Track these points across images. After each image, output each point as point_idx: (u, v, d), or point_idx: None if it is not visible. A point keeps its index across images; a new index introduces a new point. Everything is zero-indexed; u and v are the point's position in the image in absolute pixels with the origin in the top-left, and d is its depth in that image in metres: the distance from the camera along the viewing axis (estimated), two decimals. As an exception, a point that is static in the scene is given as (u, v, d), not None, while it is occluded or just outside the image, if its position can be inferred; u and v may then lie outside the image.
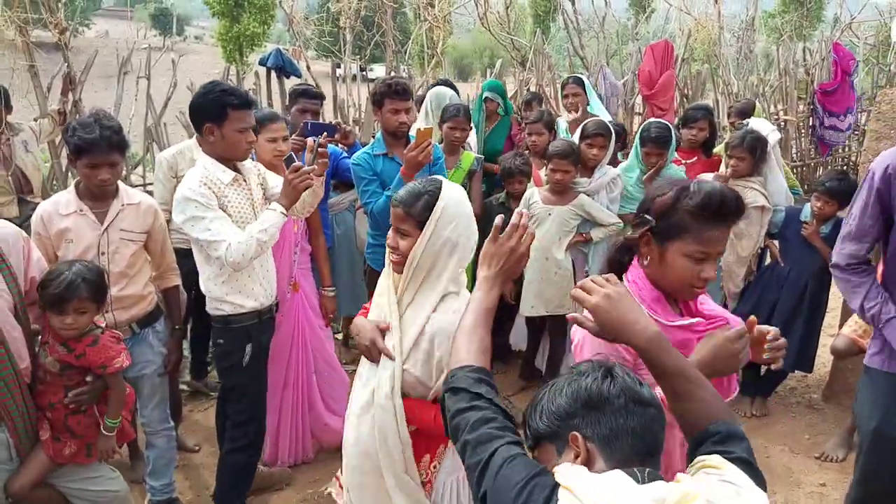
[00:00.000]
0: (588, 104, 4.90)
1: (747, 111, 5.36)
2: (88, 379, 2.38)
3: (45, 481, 2.36)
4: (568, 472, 1.08)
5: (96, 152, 2.51)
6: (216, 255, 2.52)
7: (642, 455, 1.13)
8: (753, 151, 3.76)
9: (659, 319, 1.60)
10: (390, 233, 1.91)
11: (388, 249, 1.93)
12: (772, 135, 4.15)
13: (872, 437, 2.34)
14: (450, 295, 1.91)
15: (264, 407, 2.97)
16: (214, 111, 2.55)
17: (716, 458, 1.14)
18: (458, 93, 4.81)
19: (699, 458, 1.17)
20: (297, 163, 2.67)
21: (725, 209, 1.57)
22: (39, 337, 2.38)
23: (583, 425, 1.15)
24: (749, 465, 1.16)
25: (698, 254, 1.60)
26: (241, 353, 2.74)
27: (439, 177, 1.98)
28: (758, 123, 4.17)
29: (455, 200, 1.87)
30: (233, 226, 2.56)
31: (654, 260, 1.66)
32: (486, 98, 4.83)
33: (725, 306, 4.03)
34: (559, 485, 1.06)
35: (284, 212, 2.61)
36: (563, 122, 4.79)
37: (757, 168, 3.82)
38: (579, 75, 5.19)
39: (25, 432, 2.29)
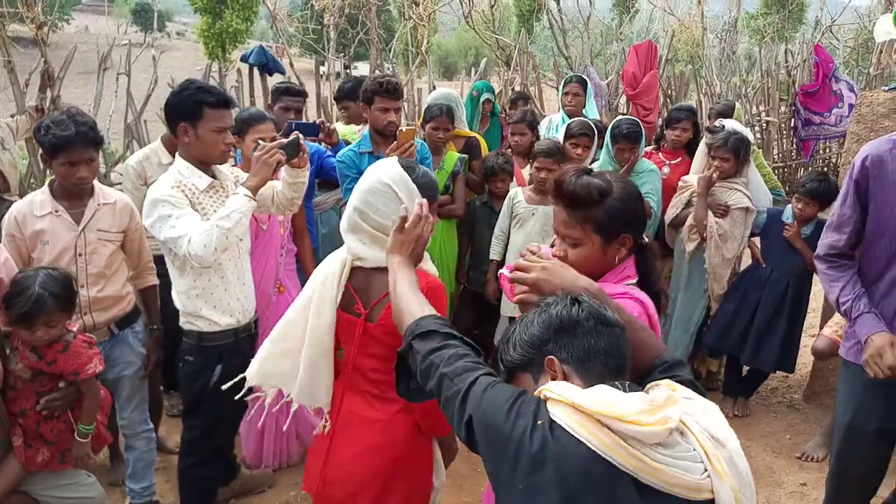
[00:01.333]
0: (584, 106, 4.90)
1: (727, 113, 5.39)
2: (61, 385, 2.31)
3: (18, 488, 2.30)
4: (554, 387, 1.15)
5: (74, 149, 2.46)
6: (180, 252, 2.34)
7: (613, 372, 1.22)
8: (737, 152, 3.77)
9: None
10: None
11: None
12: (748, 134, 4.21)
13: (847, 430, 2.36)
14: None
15: (228, 424, 2.84)
16: (189, 110, 2.41)
17: (668, 382, 1.21)
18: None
19: (651, 383, 1.22)
20: (263, 144, 2.52)
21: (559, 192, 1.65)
22: (9, 340, 2.31)
23: (556, 349, 1.23)
24: (695, 386, 1.26)
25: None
26: (210, 374, 2.55)
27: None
28: (730, 125, 4.19)
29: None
30: (200, 222, 2.38)
31: None
32: (486, 99, 4.83)
33: (709, 309, 4.05)
34: (546, 399, 1.15)
35: (250, 194, 2.41)
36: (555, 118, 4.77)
37: (740, 169, 3.84)
38: (582, 75, 5.15)
39: None
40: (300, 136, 2.61)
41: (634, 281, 1.66)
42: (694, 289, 4.04)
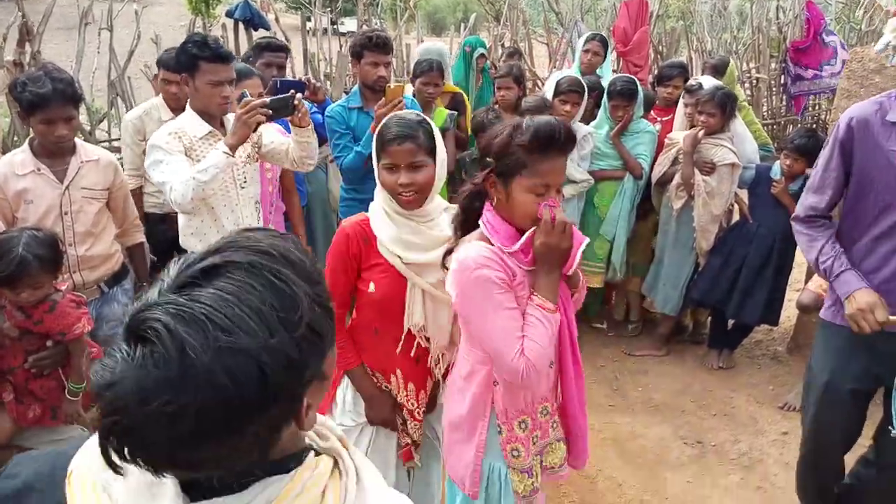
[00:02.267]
0: (601, 66, 4.84)
1: (721, 68, 5.35)
2: (48, 344, 2.31)
3: (10, 443, 2.32)
4: None
5: (51, 107, 2.42)
6: (169, 197, 2.53)
7: None
8: (724, 107, 3.76)
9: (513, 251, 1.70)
10: (401, 173, 1.86)
11: (398, 190, 1.87)
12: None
13: (825, 389, 2.39)
14: (449, 208, 2.01)
15: None
16: (187, 63, 2.55)
17: None
18: None
19: None
20: (248, 98, 2.60)
21: (556, 140, 1.65)
22: None
23: None
24: None
25: (539, 187, 1.67)
26: None
27: (411, 110, 2.03)
28: (705, 81, 4.18)
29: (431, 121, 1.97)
30: (185, 171, 2.50)
31: (501, 200, 1.73)
32: (481, 55, 4.76)
33: (698, 265, 4.09)
34: None
35: (228, 151, 2.49)
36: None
37: (726, 125, 3.83)
38: (605, 35, 5.05)
39: None
40: (296, 94, 2.62)
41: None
42: (682, 245, 4.07)
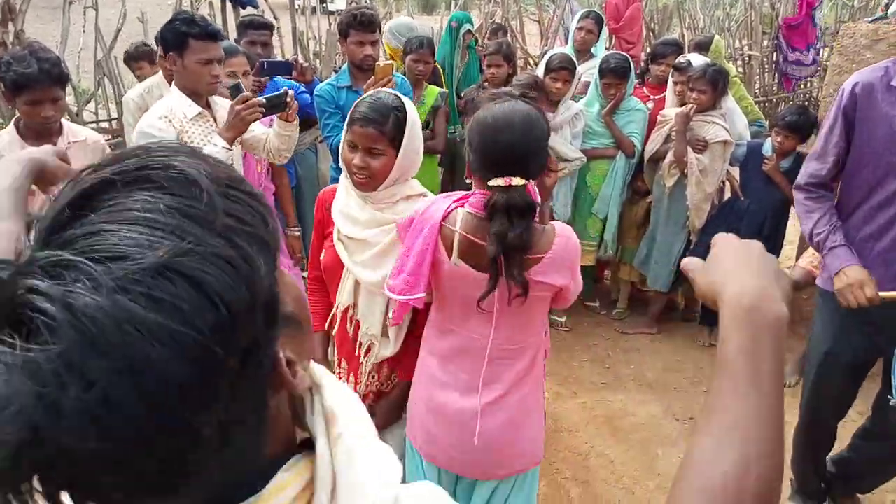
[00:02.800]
0: (595, 44, 4.79)
1: (704, 45, 5.33)
2: None
3: None
4: None
5: (36, 88, 2.37)
6: None
7: None
8: (715, 84, 3.75)
9: None
10: (357, 154, 1.83)
11: (352, 169, 1.84)
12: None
13: (824, 359, 2.43)
14: (419, 197, 1.95)
15: None
16: (175, 40, 2.51)
17: None
18: None
19: None
20: (246, 92, 2.56)
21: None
22: None
23: None
24: None
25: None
26: None
27: (393, 91, 1.94)
28: (694, 59, 4.16)
29: (415, 112, 1.88)
30: None
31: None
32: (467, 31, 4.71)
33: (690, 242, 4.10)
34: None
35: (227, 146, 2.49)
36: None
37: (718, 101, 3.82)
38: (599, 13, 4.98)
39: None
40: (290, 92, 2.65)
41: None
42: (674, 223, 4.07)
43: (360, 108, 1.82)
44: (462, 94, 4.28)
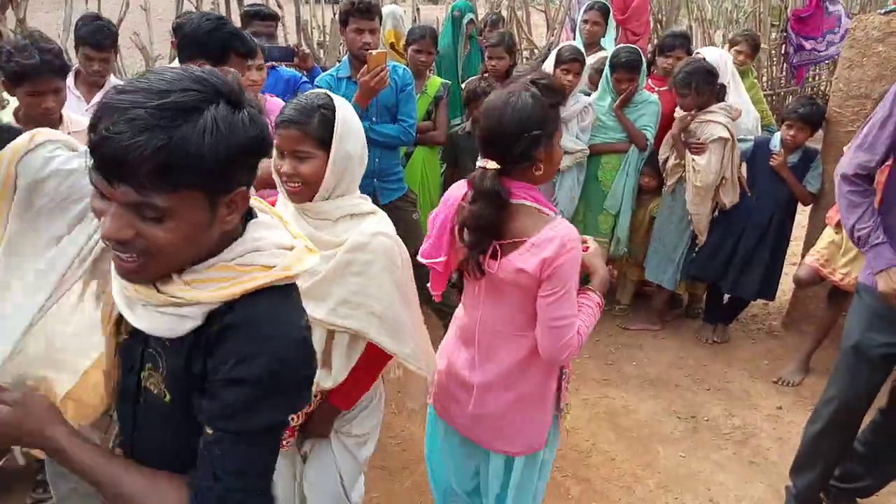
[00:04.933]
0: (603, 36, 4.72)
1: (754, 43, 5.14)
2: None
3: None
4: None
5: (38, 79, 2.34)
6: None
7: None
8: (689, 85, 3.67)
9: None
10: (286, 161, 1.68)
11: (283, 178, 1.70)
12: (728, 58, 4.14)
13: (851, 352, 2.40)
14: (368, 215, 1.76)
15: None
16: (215, 51, 2.34)
17: None
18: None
19: None
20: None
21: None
22: None
23: None
24: None
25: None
26: None
27: (321, 89, 1.86)
28: (709, 52, 4.10)
29: (349, 110, 1.71)
30: None
31: (545, 167, 1.80)
32: (470, 20, 4.66)
33: (694, 238, 4.05)
34: None
35: None
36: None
37: (707, 99, 3.74)
38: (605, 3, 4.88)
39: None
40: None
41: None
42: (678, 219, 4.03)
43: (283, 111, 1.69)
44: (463, 86, 4.23)
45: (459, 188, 1.86)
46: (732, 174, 3.80)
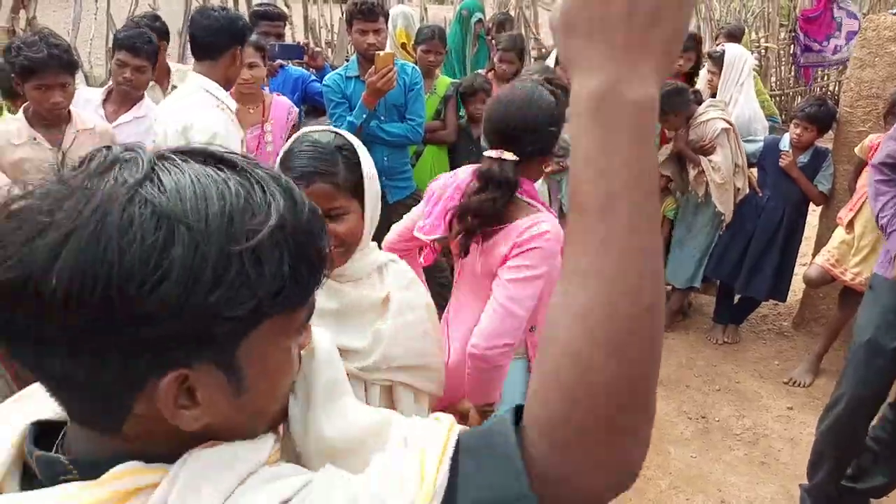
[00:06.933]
0: None
1: (737, 34, 5.24)
2: None
3: None
4: None
5: (46, 73, 2.37)
6: None
7: None
8: (665, 113, 3.61)
9: None
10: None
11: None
12: (749, 60, 4.12)
13: (866, 347, 2.39)
14: (390, 263, 1.49)
15: None
16: (243, 39, 2.55)
17: None
18: None
19: None
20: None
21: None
22: None
23: None
24: None
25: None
26: None
27: (322, 126, 1.53)
28: (731, 48, 4.09)
29: (363, 148, 1.40)
30: None
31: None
32: (478, 20, 4.65)
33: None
34: None
35: None
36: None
37: (689, 111, 3.76)
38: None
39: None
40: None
41: None
42: (707, 221, 3.99)
43: (296, 160, 1.31)
44: (460, 83, 4.21)
45: (466, 173, 1.88)
46: (742, 159, 3.80)
